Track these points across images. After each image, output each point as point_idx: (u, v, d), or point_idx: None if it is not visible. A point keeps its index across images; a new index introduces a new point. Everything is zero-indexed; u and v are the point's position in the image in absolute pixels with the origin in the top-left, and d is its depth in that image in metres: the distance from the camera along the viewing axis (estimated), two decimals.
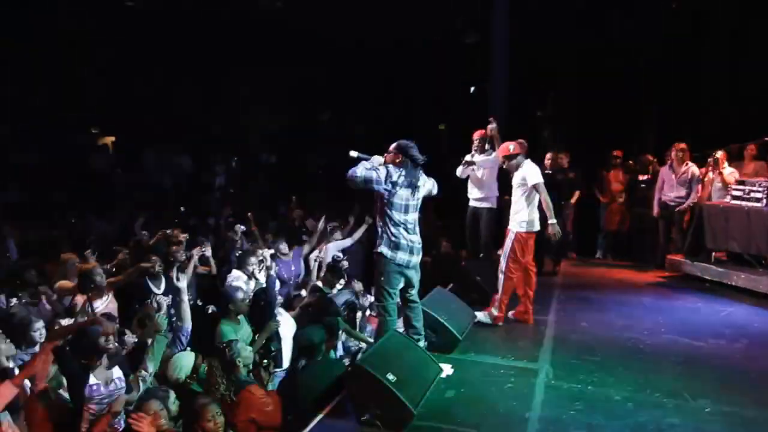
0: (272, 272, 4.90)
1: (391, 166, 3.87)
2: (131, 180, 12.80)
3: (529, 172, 4.94)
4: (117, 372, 3.42)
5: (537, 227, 5.04)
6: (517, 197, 5.00)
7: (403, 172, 3.87)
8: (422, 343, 4.09)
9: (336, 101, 14.90)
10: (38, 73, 13.01)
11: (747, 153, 7.13)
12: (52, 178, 11.89)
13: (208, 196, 11.93)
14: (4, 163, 12.24)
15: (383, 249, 3.91)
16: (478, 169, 6.19)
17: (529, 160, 5.08)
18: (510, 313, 5.16)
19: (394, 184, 3.83)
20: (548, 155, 7.24)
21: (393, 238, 3.89)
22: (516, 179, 5.03)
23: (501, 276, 5.00)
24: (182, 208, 9.81)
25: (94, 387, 3.21)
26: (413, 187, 3.92)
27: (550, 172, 6.85)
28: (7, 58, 12.20)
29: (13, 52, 12.13)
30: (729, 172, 6.89)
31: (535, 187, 4.88)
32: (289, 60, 14.26)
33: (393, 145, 3.99)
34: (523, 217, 4.95)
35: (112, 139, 15.86)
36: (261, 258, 5.11)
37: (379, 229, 3.97)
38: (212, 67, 14.54)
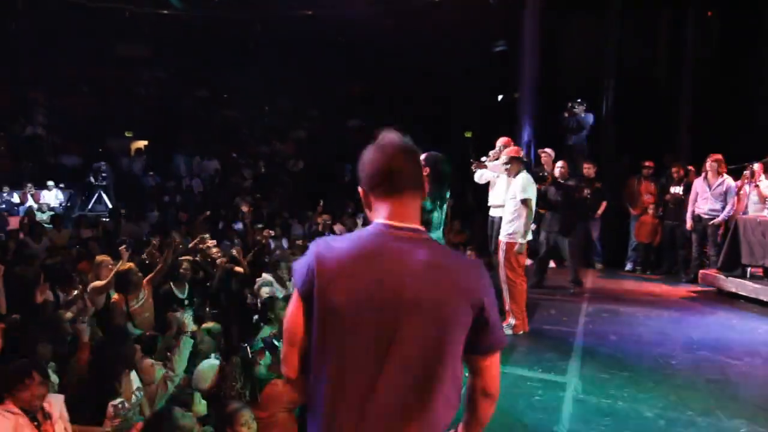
0: None
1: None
2: (162, 183, 13.12)
3: (522, 186, 4.93)
4: (136, 381, 3.46)
5: (529, 236, 5.04)
6: (509, 208, 5.02)
7: (431, 191, 3.79)
8: None
9: (364, 109, 15.01)
10: (77, 79, 13.51)
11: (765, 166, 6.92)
12: (89, 179, 12.27)
13: (235, 200, 12.11)
14: (42, 164, 12.71)
15: None
16: (497, 177, 6.07)
17: (526, 173, 5.05)
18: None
19: (431, 211, 3.80)
20: (559, 163, 6.95)
21: None
22: (510, 190, 5.03)
23: (504, 287, 5.03)
24: (208, 212, 9.95)
25: (119, 405, 3.16)
26: (442, 202, 3.89)
27: (562, 181, 6.77)
28: (45, 62, 12.72)
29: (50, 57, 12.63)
30: (766, 185, 6.71)
31: (523, 202, 4.87)
32: (319, 68, 14.46)
33: (422, 156, 3.90)
34: (513, 227, 4.96)
35: (145, 143, 16.28)
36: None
37: None
38: (244, 74, 14.83)
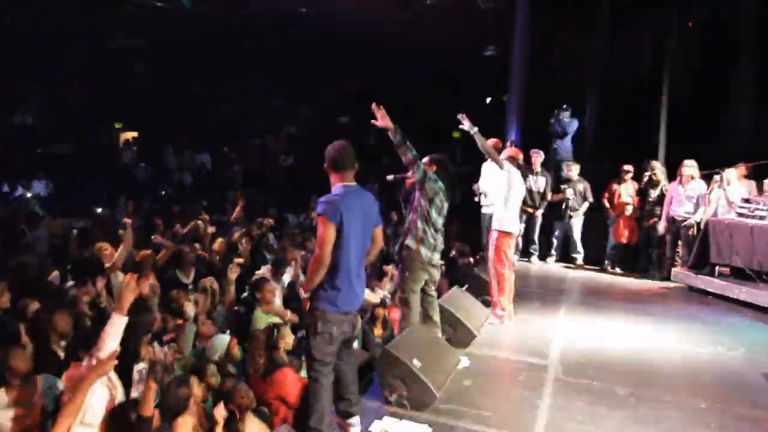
0: None
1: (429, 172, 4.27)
2: (154, 174, 13.26)
3: (511, 181, 5.29)
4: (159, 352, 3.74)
5: (518, 229, 5.36)
6: (499, 199, 5.33)
7: (440, 179, 4.26)
8: (439, 334, 4.43)
9: (355, 106, 15.27)
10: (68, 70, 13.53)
11: (739, 172, 7.42)
12: (79, 169, 12.38)
13: (227, 193, 12.29)
14: (33, 154, 12.76)
15: (410, 242, 4.24)
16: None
17: (515, 169, 5.41)
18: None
19: (435, 180, 4.20)
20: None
21: (421, 234, 4.22)
22: (500, 181, 5.35)
23: (493, 278, 5.34)
24: (204, 202, 10.19)
25: (143, 371, 3.39)
26: (448, 193, 4.27)
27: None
28: (37, 53, 12.75)
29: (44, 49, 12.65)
30: (732, 190, 7.19)
31: (510, 196, 5.25)
32: (311, 65, 14.70)
33: (426, 159, 4.36)
34: (504, 217, 5.27)
35: (135, 134, 16.33)
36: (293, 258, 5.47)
37: (410, 225, 4.30)
38: (235, 68, 15.00)
